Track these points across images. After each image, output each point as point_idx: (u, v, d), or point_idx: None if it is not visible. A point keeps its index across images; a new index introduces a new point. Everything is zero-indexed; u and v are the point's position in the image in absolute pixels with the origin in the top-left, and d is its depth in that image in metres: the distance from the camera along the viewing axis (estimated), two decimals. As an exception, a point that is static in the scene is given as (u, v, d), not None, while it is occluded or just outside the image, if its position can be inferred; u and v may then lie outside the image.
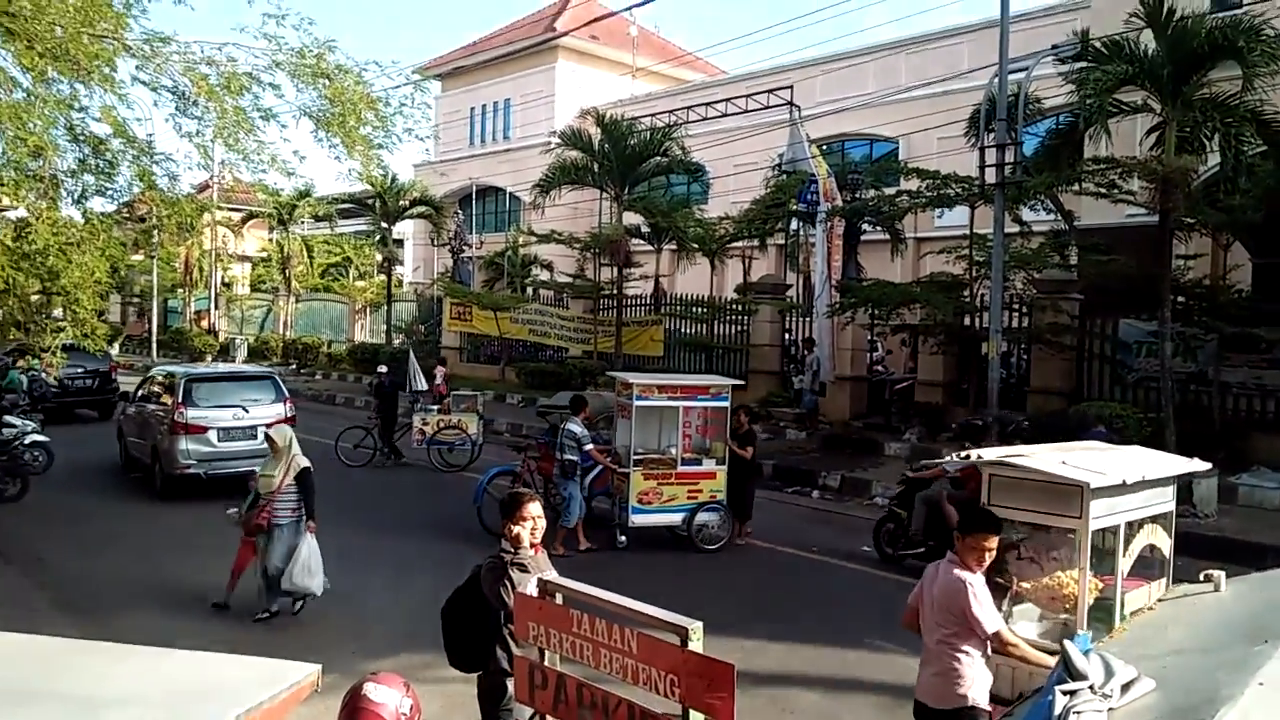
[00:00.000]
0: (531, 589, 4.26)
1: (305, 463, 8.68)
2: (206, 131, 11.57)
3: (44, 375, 16.13)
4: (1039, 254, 17.70)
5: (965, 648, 4.64)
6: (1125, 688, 3.42)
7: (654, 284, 26.33)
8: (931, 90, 24.73)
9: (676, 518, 11.46)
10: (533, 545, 4.93)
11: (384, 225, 34.44)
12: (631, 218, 25.30)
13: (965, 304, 18.21)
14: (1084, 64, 15.07)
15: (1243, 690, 3.25)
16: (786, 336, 23.10)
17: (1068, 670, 3.44)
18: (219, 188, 36.41)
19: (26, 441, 14.07)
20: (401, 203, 33.98)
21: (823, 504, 14.72)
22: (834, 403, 20.26)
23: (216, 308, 42.23)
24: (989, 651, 4.68)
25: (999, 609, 4.86)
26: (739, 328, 23.64)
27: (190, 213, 14.25)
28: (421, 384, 18.98)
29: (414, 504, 13.86)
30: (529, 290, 30.85)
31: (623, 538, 11.42)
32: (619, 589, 3.83)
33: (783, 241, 25.49)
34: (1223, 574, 5.24)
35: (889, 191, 21.83)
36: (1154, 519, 5.45)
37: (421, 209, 34.65)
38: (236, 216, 43.29)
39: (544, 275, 31.78)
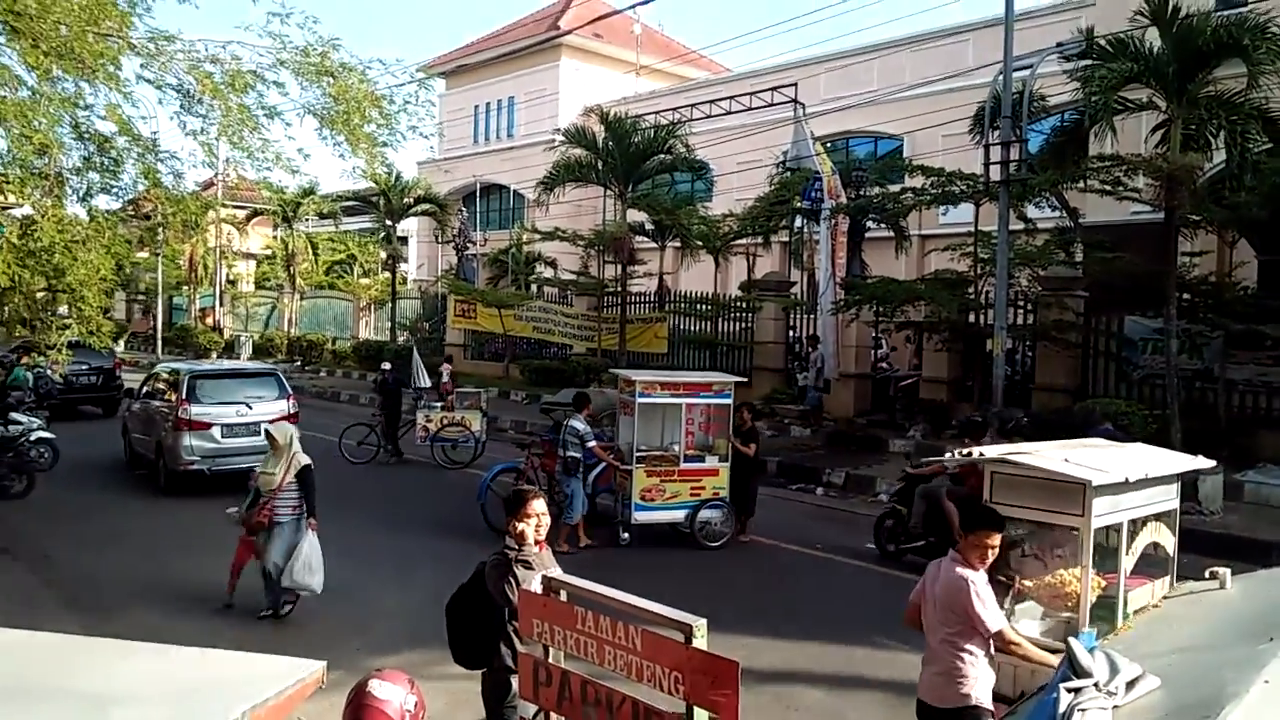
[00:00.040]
0: (536, 586, 4.26)
1: (306, 460, 8.65)
2: (211, 129, 11.61)
3: (50, 372, 16.15)
4: (1044, 251, 17.68)
5: (968, 647, 4.61)
6: (1130, 685, 3.41)
7: (658, 281, 26.33)
8: (936, 88, 24.69)
9: (679, 515, 11.45)
10: (537, 542, 4.94)
11: (388, 223, 34.47)
12: (635, 215, 25.30)
13: (970, 301, 18.19)
14: (1089, 61, 15.05)
15: (1248, 688, 3.24)
16: (791, 334, 23.10)
17: (1072, 667, 3.43)
18: (224, 185, 36.45)
19: (32, 438, 14.10)
20: (406, 200, 34.02)
21: (827, 501, 14.71)
22: (838, 400, 20.25)
23: (221, 305, 42.31)
24: (992, 650, 4.67)
25: (1001, 607, 4.84)
26: (743, 325, 23.64)
27: (195, 210, 14.30)
28: (425, 381, 19.00)
29: (417, 501, 13.87)
30: (533, 287, 30.88)
31: (625, 535, 11.42)
32: (622, 586, 3.83)
33: (787, 239, 25.50)
34: (1228, 571, 5.23)
35: (893, 189, 21.79)
36: (1157, 517, 5.44)
37: (426, 206, 34.70)
38: (241, 214, 43.37)
39: (548, 272, 31.79)
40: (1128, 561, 5.12)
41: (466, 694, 5.74)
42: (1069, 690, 3.31)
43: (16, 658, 3.13)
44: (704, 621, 3.43)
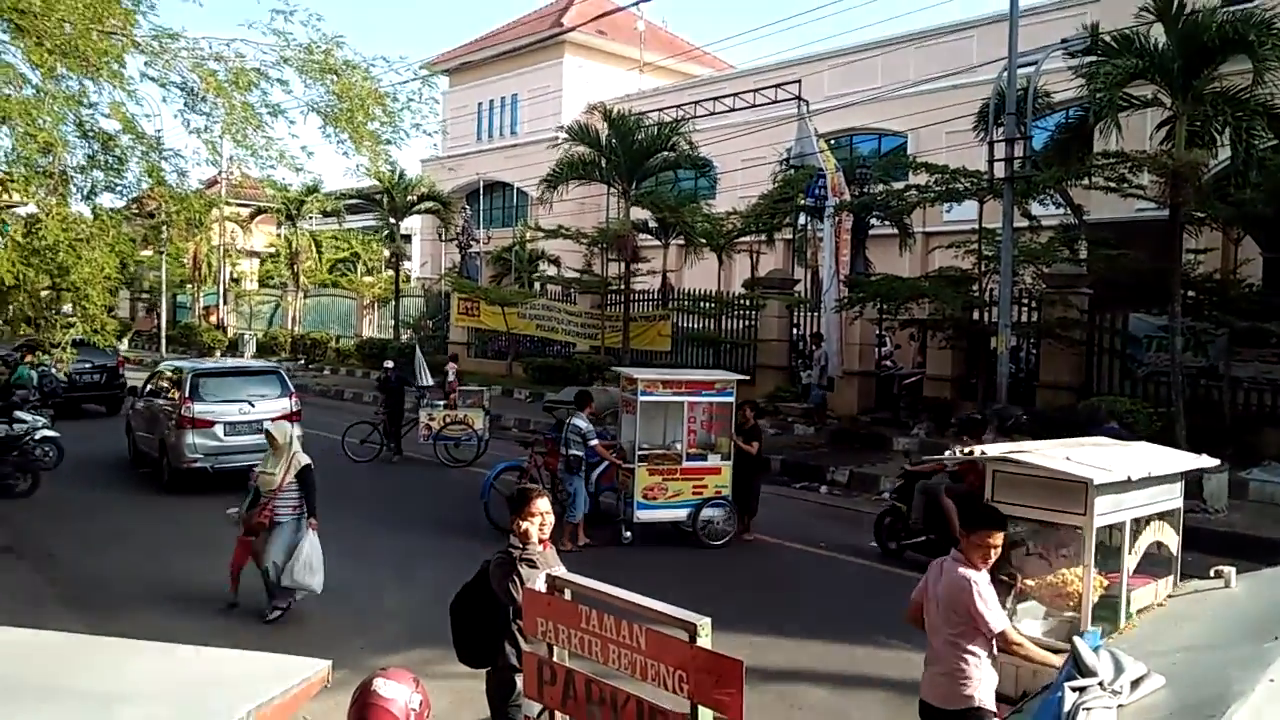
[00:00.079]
0: (540, 585, 4.27)
1: (306, 460, 8.61)
2: (215, 127, 11.63)
3: (54, 371, 16.19)
4: (1048, 248, 17.65)
5: (971, 648, 4.59)
6: (1135, 684, 3.40)
7: (661, 279, 26.31)
8: (940, 84, 24.63)
9: (681, 513, 11.45)
10: (541, 541, 4.94)
11: (392, 221, 34.49)
12: (639, 213, 25.28)
13: (974, 299, 18.17)
14: (1094, 58, 15.02)
15: (1254, 687, 3.24)
16: (794, 331, 23.09)
17: (1077, 666, 3.42)
18: (227, 183, 36.47)
19: (37, 437, 14.12)
20: (409, 198, 34.02)
21: (831, 499, 14.71)
22: (842, 398, 20.24)
23: (225, 303, 42.36)
24: (994, 651, 4.65)
25: (1003, 606, 4.81)
26: (747, 323, 23.63)
27: (199, 208, 14.33)
28: (427, 379, 19.01)
29: (420, 499, 13.88)
30: (536, 285, 30.86)
31: (628, 533, 11.42)
32: (625, 585, 3.83)
33: (790, 236, 25.47)
34: (1233, 570, 5.22)
35: (897, 186, 21.76)
36: (1161, 516, 5.41)
37: (429, 204, 34.71)
38: (245, 212, 43.39)
39: (551, 270, 31.79)
40: (1130, 561, 5.09)
41: (471, 693, 5.75)
42: (1074, 689, 3.30)
43: (23, 657, 3.14)
44: (708, 620, 3.43)
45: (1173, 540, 5.46)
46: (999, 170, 15.45)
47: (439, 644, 5.89)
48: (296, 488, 8.49)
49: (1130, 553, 5.08)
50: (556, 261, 31.67)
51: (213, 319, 42.03)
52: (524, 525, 4.88)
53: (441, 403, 17.16)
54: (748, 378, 14.85)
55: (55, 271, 11.38)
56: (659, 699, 3.54)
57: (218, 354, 36.05)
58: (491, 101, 41.42)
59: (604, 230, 25.74)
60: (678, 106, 28.36)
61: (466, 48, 42.12)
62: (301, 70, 11.12)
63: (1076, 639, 3.69)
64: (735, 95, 28.09)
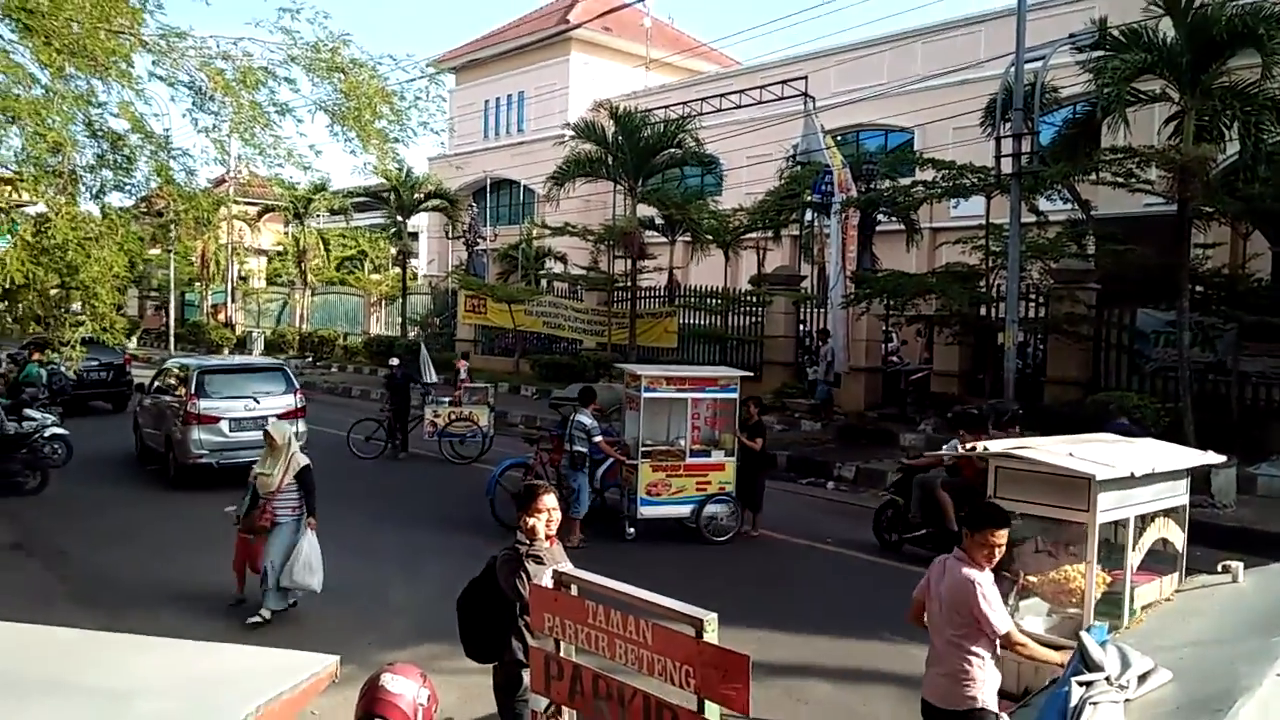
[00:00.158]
0: (547, 581, 4.28)
1: (305, 461, 8.54)
2: (223, 126, 11.67)
3: (64, 369, 16.27)
4: (1055, 244, 17.60)
5: (975, 649, 4.55)
6: (1142, 679, 3.41)
7: (668, 276, 26.30)
8: (947, 80, 24.56)
9: (685, 509, 11.45)
10: (548, 537, 4.95)
11: (399, 218, 34.55)
12: (645, 210, 25.28)
13: (981, 294, 18.12)
14: (1101, 52, 14.97)
15: (1261, 681, 3.24)
16: (801, 328, 23.07)
17: (1084, 661, 3.43)
18: (235, 182, 36.60)
19: (46, 435, 14.19)
20: (416, 196, 34.08)
21: (838, 495, 14.69)
22: (849, 394, 20.22)
23: (233, 301, 42.49)
24: (998, 651, 4.62)
25: (1005, 603, 4.79)
26: (753, 319, 23.61)
27: (207, 207, 14.37)
28: (433, 376, 19.05)
29: (425, 496, 13.91)
30: (543, 282, 30.88)
31: (631, 529, 11.43)
32: (631, 581, 3.84)
33: (797, 233, 25.43)
34: (1241, 565, 5.21)
35: (904, 182, 21.71)
36: (1166, 513, 5.38)
37: (436, 202, 34.75)
38: (253, 210, 43.54)
39: (558, 267, 31.79)
40: (1135, 557, 5.07)
41: (478, 688, 5.77)
42: (1081, 684, 3.30)
43: (32, 653, 3.16)
44: (715, 616, 3.44)
45: (1178, 537, 5.44)
46: (1006, 166, 15.41)
47: (446, 639, 5.91)
48: (296, 488, 8.43)
49: (1134, 549, 5.06)
50: (563, 258, 31.68)
51: (221, 317, 42.16)
52: (531, 521, 4.89)
53: (447, 399, 17.20)
54: (752, 374, 14.81)
55: (64, 270, 11.41)
56: (666, 694, 3.55)
57: (226, 352, 36.16)
58: (498, 99, 41.41)
59: (610, 227, 25.74)
60: (684, 103, 28.32)
61: (473, 45, 42.11)
62: (309, 69, 11.14)
63: (1083, 634, 3.68)
64: (741, 92, 28.04)
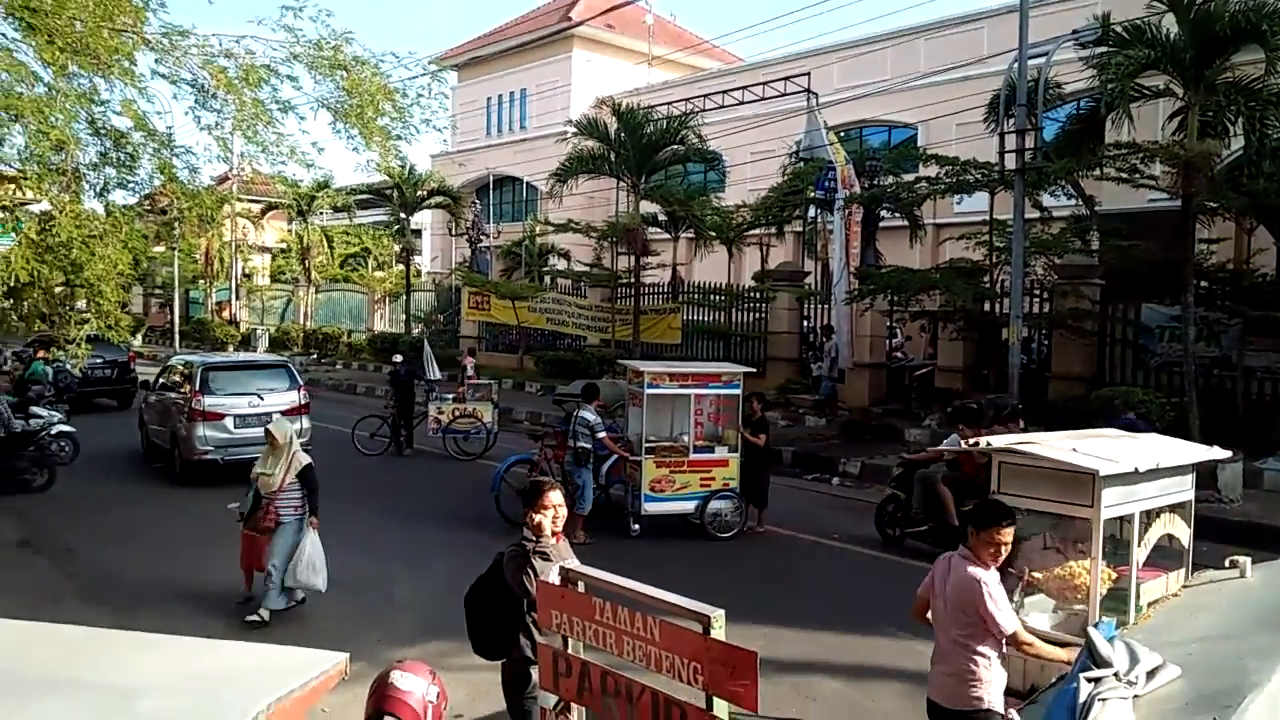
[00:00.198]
0: (554, 577, 4.28)
1: (306, 459, 8.47)
2: (225, 124, 11.70)
3: (69, 367, 16.31)
4: (1060, 239, 17.57)
5: (981, 648, 4.51)
6: (1150, 674, 3.40)
7: (671, 272, 26.29)
8: (951, 76, 24.55)
9: (689, 506, 11.45)
10: (554, 534, 4.95)
11: (402, 216, 34.56)
12: (648, 206, 25.27)
13: (985, 290, 18.10)
14: (1105, 48, 14.94)
15: (1270, 676, 3.24)
16: (805, 324, 23.05)
17: (1092, 657, 3.42)
18: (238, 180, 36.59)
19: (53, 432, 14.22)
20: (419, 193, 34.06)
21: (843, 491, 14.69)
22: (853, 389, 20.21)
23: (237, 298, 42.54)
24: (1004, 649, 4.59)
25: (1010, 599, 4.75)
26: (757, 315, 23.61)
27: (210, 205, 14.41)
28: (436, 373, 19.06)
29: (430, 492, 13.93)
30: (546, 279, 30.89)
31: (636, 526, 11.43)
32: (636, 578, 3.83)
33: (800, 229, 25.42)
34: (1248, 560, 5.20)
35: (908, 178, 21.70)
36: (1172, 508, 5.36)
37: (439, 199, 34.75)
38: (256, 208, 43.50)
39: (561, 264, 31.79)
40: (1140, 553, 5.05)
41: (487, 684, 5.78)
42: (1089, 680, 3.30)
43: (41, 651, 3.16)
44: (722, 612, 3.44)
45: (1184, 533, 5.42)
46: (1010, 161, 15.38)
47: (454, 636, 5.92)
48: (298, 487, 8.37)
49: (1139, 545, 5.04)
50: (566, 255, 31.67)
51: (225, 314, 42.20)
52: (537, 518, 4.90)
53: (450, 396, 17.20)
54: (755, 370, 14.81)
55: (69, 268, 11.44)
56: (674, 691, 3.55)
57: (230, 349, 36.20)
58: (500, 96, 41.41)
59: (614, 224, 25.74)
60: (686, 100, 28.31)
61: (475, 42, 42.11)
62: (311, 66, 11.15)
63: (1091, 630, 3.68)
64: (744, 88, 28.03)
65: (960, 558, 4.62)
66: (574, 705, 4.00)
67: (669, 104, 27.80)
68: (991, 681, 4.54)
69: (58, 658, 3.10)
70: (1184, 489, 5.45)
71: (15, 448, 13.36)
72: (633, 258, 24.35)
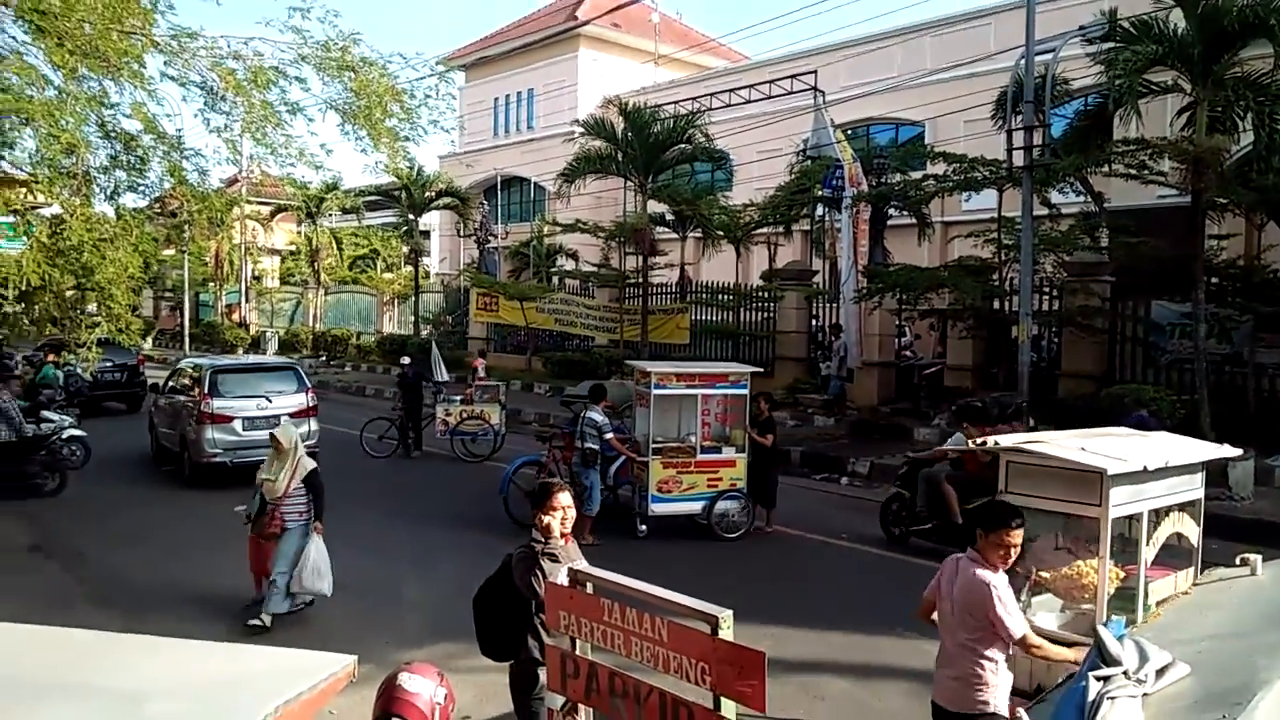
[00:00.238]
0: (562, 579, 4.28)
1: (312, 464, 8.44)
2: (235, 126, 11.73)
3: (80, 371, 16.37)
4: (1068, 236, 17.52)
5: (989, 652, 4.48)
6: (1160, 673, 3.40)
7: (679, 272, 26.28)
8: (958, 73, 24.47)
9: (696, 506, 11.43)
10: (563, 535, 4.96)
11: (410, 217, 34.62)
12: (656, 206, 25.26)
13: (994, 288, 18.05)
14: (1112, 44, 14.90)
15: (1279, 674, 3.22)
16: (813, 323, 23.02)
17: (1101, 655, 3.42)
18: (248, 182, 36.72)
19: (64, 436, 14.28)
20: (427, 194, 34.14)
21: (851, 490, 14.66)
22: (861, 389, 20.17)
23: (247, 301, 42.66)
24: (1011, 651, 4.56)
25: (1018, 599, 4.71)
26: (765, 315, 23.58)
27: (220, 207, 14.43)
28: (444, 375, 19.08)
29: (438, 494, 13.95)
30: (554, 280, 30.92)
31: (643, 527, 11.42)
32: (643, 578, 3.84)
33: (808, 227, 25.39)
34: (1259, 557, 5.18)
35: (915, 175, 21.66)
36: (1181, 507, 5.33)
37: (447, 200, 34.82)
38: (265, 210, 43.68)
39: (569, 264, 31.81)
40: (1149, 552, 5.02)
41: (494, 686, 5.79)
42: (1098, 678, 3.30)
43: (51, 655, 3.18)
44: (730, 613, 3.44)
45: (1193, 532, 5.39)
46: (1018, 158, 15.35)
47: (462, 638, 5.92)
48: (304, 492, 8.33)
49: (1148, 544, 5.01)
50: (574, 256, 31.69)
51: (235, 317, 42.35)
52: (546, 519, 4.90)
53: (458, 398, 17.23)
54: (762, 370, 14.77)
55: (80, 272, 11.47)
56: (682, 691, 3.55)
57: (240, 351, 36.33)
58: (508, 96, 41.47)
59: (621, 224, 25.73)
60: (693, 99, 28.31)
61: (482, 43, 42.17)
62: (319, 68, 11.18)
63: (1101, 628, 3.67)
64: (751, 87, 28.01)
65: (968, 560, 4.58)
66: (582, 706, 4.00)
67: (676, 103, 27.79)
68: (997, 685, 4.51)
69: (68, 661, 3.12)
70: (1193, 487, 5.42)
71: (26, 452, 13.42)
72: (640, 258, 24.35)
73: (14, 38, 10.93)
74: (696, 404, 11.67)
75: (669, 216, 25.71)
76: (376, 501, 13.14)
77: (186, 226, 34.29)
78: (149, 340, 35.34)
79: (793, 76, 26.34)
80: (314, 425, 14.73)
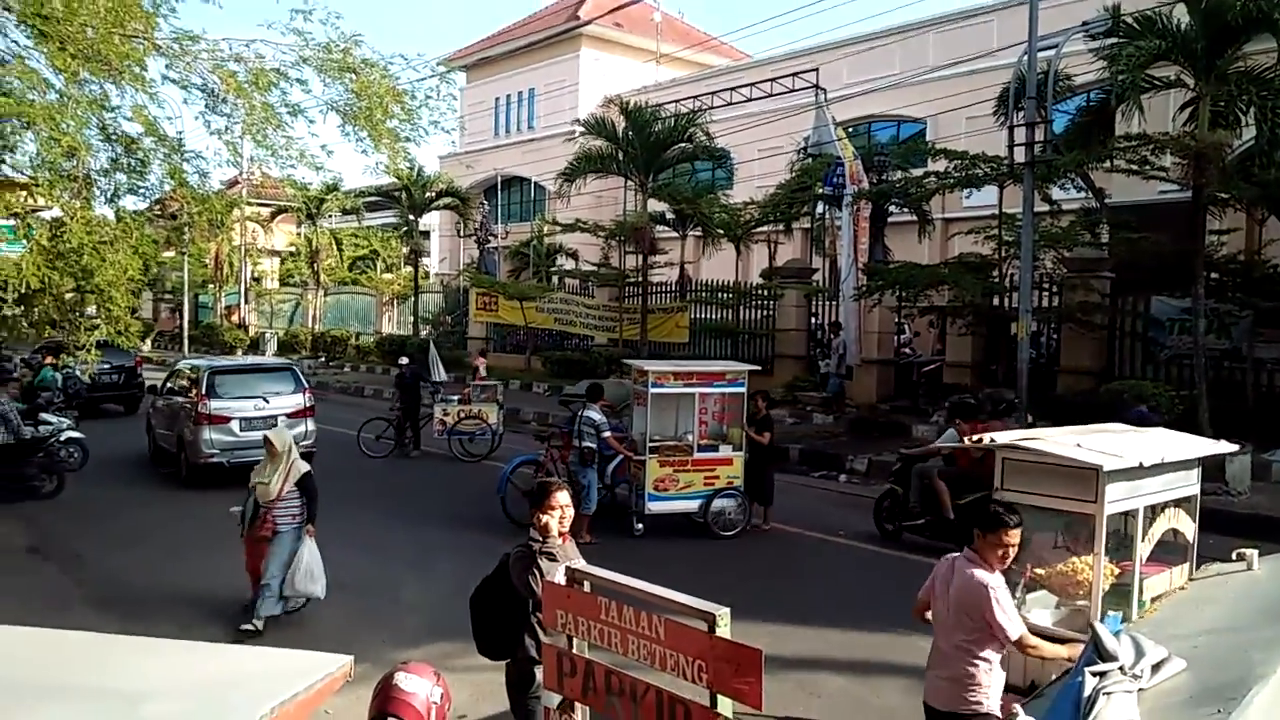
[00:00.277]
0: (560, 578, 4.29)
1: (305, 467, 8.37)
2: (235, 128, 11.73)
3: (79, 373, 16.39)
4: (1069, 232, 17.52)
5: (984, 653, 4.45)
6: (1156, 668, 3.40)
7: (679, 270, 26.28)
8: (960, 69, 24.45)
9: (693, 505, 11.43)
10: (561, 534, 4.96)
11: (411, 217, 34.62)
12: (656, 205, 25.27)
13: (994, 284, 18.05)
14: (1115, 40, 14.90)
15: (1276, 669, 3.23)
16: (812, 321, 23.03)
17: (1098, 651, 3.42)
18: (248, 183, 36.74)
19: (62, 439, 14.29)
20: (428, 195, 34.15)
21: (850, 488, 14.66)
22: (861, 386, 20.17)
23: (246, 302, 42.68)
24: (1005, 652, 4.54)
25: (1013, 596, 4.67)
26: (765, 313, 23.58)
27: (220, 209, 14.43)
28: (441, 374, 19.08)
29: (436, 494, 13.94)
30: (554, 279, 30.94)
31: (640, 525, 11.41)
32: (641, 577, 3.84)
33: (808, 225, 25.38)
34: (1255, 552, 5.18)
35: (916, 173, 21.66)
36: (1177, 503, 5.32)
37: (448, 200, 34.83)
38: (265, 211, 43.68)
39: (569, 264, 31.83)
40: (1144, 548, 5.01)
41: (491, 685, 5.79)
42: (1094, 673, 3.30)
43: (49, 657, 3.19)
44: (727, 610, 3.44)
45: (1189, 528, 5.38)
46: (1019, 155, 15.34)
47: (459, 637, 5.93)
48: (297, 495, 8.26)
49: (1144, 540, 5.00)
50: (574, 255, 31.70)
51: (234, 318, 42.37)
52: (544, 519, 4.90)
53: (456, 398, 17.24)
54: (760, 368, 14.74)
55: (80, 274, 11.46)
56: (679, 689, 3.55)
57: (239, 353, 36.35)
58: (508, 96, 41.46)
59: (621, 223, 25.75)
60: (694, 98, 28.30)
61: (483, 43, 42.17)
62: (320, 69, 11.17)
63: (1097, 623, 3.68)
64: (752, 85, 28.00)
65: (965, 559, 4.54)
66: (578, 705, 4.01)
67: (677, 102, 27.79)
68: (991, 685, 4.48)
69: (66, 663, 3.12)
70: (1189, 484, 5.42)
71: (25, 454, 13.42)
72: (640, 257, 24.35)
73: (16, 42, 10.95)
74: (694, 402, 11.67)
75: (669, 215, 25.72)
76: (374, 501, 13.14)
77: (186, 228, 34.30)
78: (148, 342, 35.38)
79: (794, 74, 26.33)
80: (311, 425, 14.75)
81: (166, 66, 11.05)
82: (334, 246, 41.44)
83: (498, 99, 41.60)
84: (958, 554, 4.65)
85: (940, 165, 19.23)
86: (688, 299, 25.42)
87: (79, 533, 11.64)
